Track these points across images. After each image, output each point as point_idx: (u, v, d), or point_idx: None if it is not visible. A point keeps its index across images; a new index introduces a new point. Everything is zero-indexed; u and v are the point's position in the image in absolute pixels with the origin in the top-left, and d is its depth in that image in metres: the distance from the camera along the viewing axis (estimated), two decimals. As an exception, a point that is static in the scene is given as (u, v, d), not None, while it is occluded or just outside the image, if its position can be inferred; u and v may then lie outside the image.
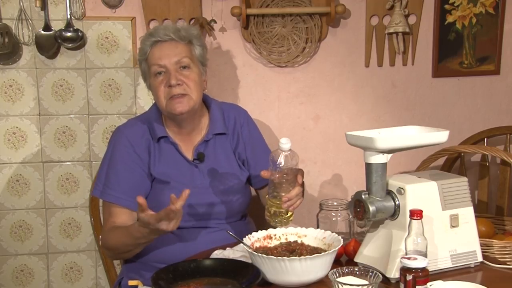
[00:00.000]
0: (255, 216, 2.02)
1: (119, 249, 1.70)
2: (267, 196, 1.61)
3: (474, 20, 2.41)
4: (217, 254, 1.60)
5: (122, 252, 1.72)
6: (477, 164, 2.37)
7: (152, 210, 1.75)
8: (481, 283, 1.30)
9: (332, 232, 1.51)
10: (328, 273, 1.35)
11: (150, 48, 1.77)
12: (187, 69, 1.76)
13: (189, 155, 1.83)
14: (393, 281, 1.43)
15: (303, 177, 1.65)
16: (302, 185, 1.64)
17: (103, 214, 1.82)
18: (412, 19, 2.38)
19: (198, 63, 1.81)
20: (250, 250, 1.41)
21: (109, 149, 1.82)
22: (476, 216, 1.56)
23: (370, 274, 1.32)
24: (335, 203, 1.73)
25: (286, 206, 1.57)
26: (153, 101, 1.90)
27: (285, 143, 1.53)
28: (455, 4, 2.39)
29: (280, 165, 1.54)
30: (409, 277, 1.28)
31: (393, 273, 1.42)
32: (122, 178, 1.76)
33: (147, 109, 1.98)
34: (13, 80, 2.24)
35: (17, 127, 2.27)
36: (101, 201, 2.07)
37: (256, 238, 1.52)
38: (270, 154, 1.58)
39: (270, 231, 1.55)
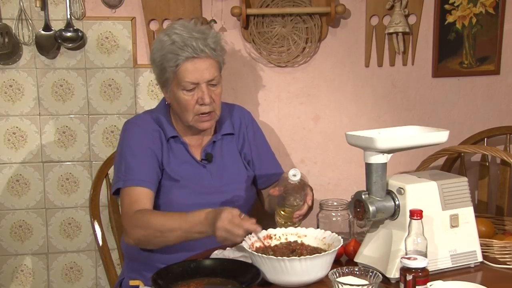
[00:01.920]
0: (256, 216, 2.02)
1: (158, 232, 1.62)
2: (276, 206, 1.65)
3: (474, 20, 2.41)
4: (217, 254, 1.60)
5: (157, 237, 1.64)
6: (477, 164, 2.37)
7: (159, 208, 1.75)
8: (481, 283, 1.30)
9: (332, 232, 1.51)
10: (328, 273, 1.35)
11: (183, 62, 1.70)
12: (215, 86, 1.75)
13: (198, 155, 1.84)
14: (393, 281, 1.43)
15: (312, 195, 1.68)
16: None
17: (123, 202, 1.74)
18: (412, 19, 2.38)
19: (221, 74, 1.79)
20: (250, 250, 1.41)
21: (122, 141, 1.81)
22: (476, 216, 1.56)
23: (370, 274, 1.32)
24: (335, 203, 1.73)
25: (297, 220, 1.64)
26: (158, 100, 1.90)
27: (294, 176, 1.55)
28: (455, 4, 2.39)
29: (289, 195, 1.60)
30: (409, 277, 1.28)
31: (393, 273, 1.42)
32: (141, 162, 1.74)
33: (147, 109, 1.98)
34: (13, 80, 2.24)
35: (17, 127, 2.27)
36: (101, 201, 2.08)
37: (256, 238, 1.52)
38: (281, 175, 1.60)
39: (270, 231, 1.56)
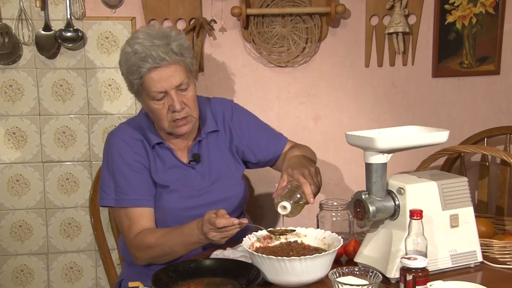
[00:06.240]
0: (254, 214, 2.02)
1: (162, 250, 1.65)
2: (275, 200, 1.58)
3: (474, 20, 2.41)
4: (217, 254, 1.60)
5: (163, 255, 1.67)
6: (477, 164, 2.37)
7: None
8: (481, 283, 1.30)
9: (332, 232, 1.51)
10: (328, 273, 1.35)
11: (147, 73, 1.65)
12: (186, 90, 1.71)
13: (184, 158, 1.82)
14: (393, 281, 1.43)
15: (316, 185, 1.62)
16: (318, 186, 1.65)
17: (120, 223, 1.75)
18: (412, 19, 2.38)
19: (192, 75, 1.75)
20: (250, 250, 1.41)
21: (107, 156, 1.78)
22: (476, 216, 1.56)
23: (370, 274, 1.32)
24: (335, 203, 1.73)
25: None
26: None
27: (284, 208, 1.51)
28: (455, 4, 2.39)
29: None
30: (409, 277, 1.28)
31: (393, 273, 1.42)
32: (132, 180, 1.73)
33: (130, 117, 1.95)
34: (13, 80, 2.24)
35: (17, 127, 2.27)
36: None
37: (256, 238, 1.52)
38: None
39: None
